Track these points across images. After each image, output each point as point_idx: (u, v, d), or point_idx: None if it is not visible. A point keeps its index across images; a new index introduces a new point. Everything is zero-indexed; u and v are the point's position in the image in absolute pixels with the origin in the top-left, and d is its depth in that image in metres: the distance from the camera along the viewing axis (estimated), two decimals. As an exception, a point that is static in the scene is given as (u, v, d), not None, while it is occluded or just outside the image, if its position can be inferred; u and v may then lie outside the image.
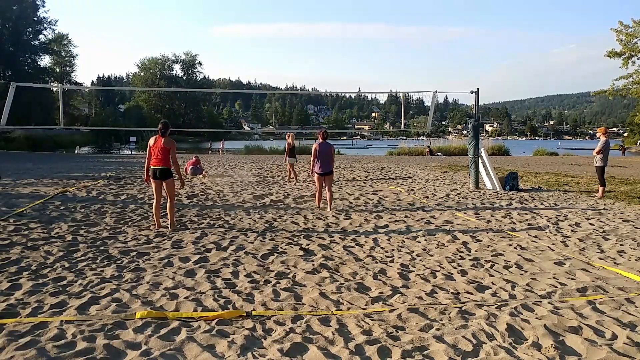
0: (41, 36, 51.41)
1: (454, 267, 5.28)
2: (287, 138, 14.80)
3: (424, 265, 5.37)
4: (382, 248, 6.16)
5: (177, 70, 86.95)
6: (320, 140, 9.09)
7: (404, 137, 65.23)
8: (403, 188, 12.55)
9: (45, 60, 55.93)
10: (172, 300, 4.14)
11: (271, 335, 3.47)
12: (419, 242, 6.49)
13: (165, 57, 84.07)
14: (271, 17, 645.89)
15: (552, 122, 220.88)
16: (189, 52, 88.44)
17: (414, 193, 11.56)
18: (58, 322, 3.60)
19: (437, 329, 3.58)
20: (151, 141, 7.12)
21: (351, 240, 6.56)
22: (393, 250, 6.06)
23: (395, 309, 3.98)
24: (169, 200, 7.17)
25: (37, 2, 49.36)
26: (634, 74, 31.66)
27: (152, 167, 7.05)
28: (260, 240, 6.48)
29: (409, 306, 4.05)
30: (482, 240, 6.61)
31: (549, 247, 6.26)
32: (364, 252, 5.91)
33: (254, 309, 3.97)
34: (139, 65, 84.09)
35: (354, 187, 12.83)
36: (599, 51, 40.24)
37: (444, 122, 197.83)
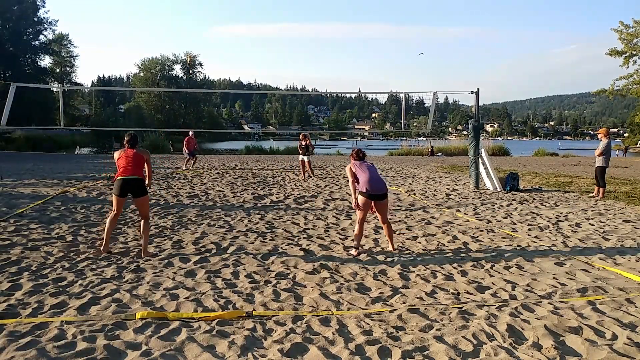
0: (41, 37, 51.43)
1: (454, 268, 5.28)
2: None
3: (424, 265, 5.37)
4: (383, 248, 6.16)
5: (178, 70, 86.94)
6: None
7: (405, 138, 65.24)
8: (403, 188, 12.55)
9: (46, 61, 56.01)
10: (173, 301, 4.14)
11: (271, 336, 3.47)
12: (419, 243, 6.49)
13: (165, 58, 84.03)
14: (271, 17, 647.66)
15: (552, 123, 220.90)
16: (189, 52, 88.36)
17: (414, 193, 11.56)
18: (58, 323, 3.60)
19: (438, 330, 3.58)
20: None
21: (351, 240, 6.56)
22: (393, 250, 6.05)
23: (395, 310, 3.98)
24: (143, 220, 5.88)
25: (38, 3, 49.37)
26: (634, 73, 31.70)
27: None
28: (261, 241, 6.48)
29: (409, 306, 4.05)
30: (482, 241, 6.60)
31: (549, 247, 6.26)
32: (364, 253, 5.91)
33: (254, 310, 3.98)
34: (139, 65, 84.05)
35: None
36: (599, 51, 40.18)
37: (444, 123, 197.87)
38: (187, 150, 18.29)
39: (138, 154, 5.75)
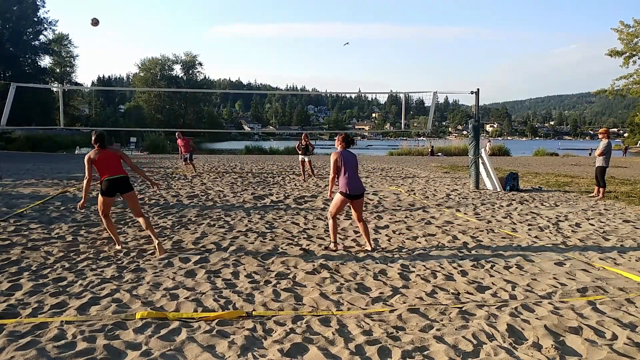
0: (41, 37, 51.49)
1: (454, 268, 5.27)
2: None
3: (424, 265, 5.37)
4: (383, 248, 6.16)
5: (178, 70, 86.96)
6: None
7: (405, 138, 65.29)
8: (403, 188, 12.55)
9: (46, 61, 56.08)
10: (173, 301, 4.14)
11: (271, 336, 3.47)
12: (419, 243, 6.49)
13: (165, 58, 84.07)
14: (271, 17, 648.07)
15: (552, 123, 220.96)
16: (189, 52, 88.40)
17: (414, 193, 11.55)
18: (58, 323, 3.60)
19: (438, 330, 3.58)
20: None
21: (351, 240, 6.56)
22: (393, 250, 6.06)
23: (395, 310, 3.98)
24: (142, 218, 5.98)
25: (38, 3, 49.43)
26: (634, 73, 31.72)
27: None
28: (261, 241, 6.48)
29: (409, 306, 4.05)
30: (482, 241, 6.60)
31: (549, 247, 6.26)
32: (364, 253, 5.91)
33: (254, 310, 3.97)
34: (139, 65, 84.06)
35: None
36: (599, 51, 40.21)
37: (444, 123, 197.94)
38: (184, 154, 16.14)
39: (116, 154, 5.91)
